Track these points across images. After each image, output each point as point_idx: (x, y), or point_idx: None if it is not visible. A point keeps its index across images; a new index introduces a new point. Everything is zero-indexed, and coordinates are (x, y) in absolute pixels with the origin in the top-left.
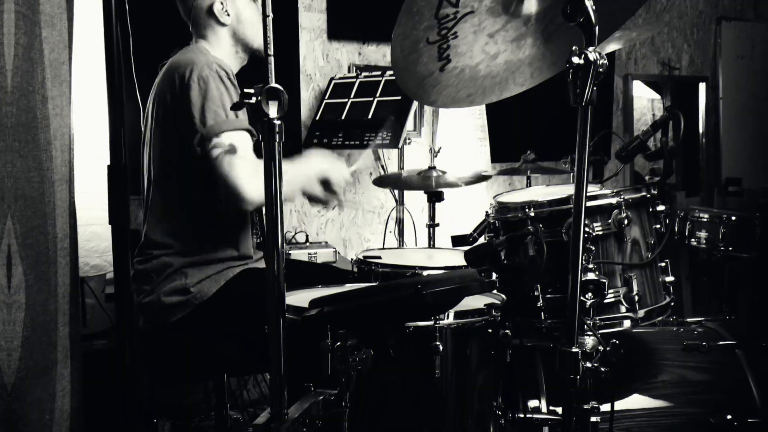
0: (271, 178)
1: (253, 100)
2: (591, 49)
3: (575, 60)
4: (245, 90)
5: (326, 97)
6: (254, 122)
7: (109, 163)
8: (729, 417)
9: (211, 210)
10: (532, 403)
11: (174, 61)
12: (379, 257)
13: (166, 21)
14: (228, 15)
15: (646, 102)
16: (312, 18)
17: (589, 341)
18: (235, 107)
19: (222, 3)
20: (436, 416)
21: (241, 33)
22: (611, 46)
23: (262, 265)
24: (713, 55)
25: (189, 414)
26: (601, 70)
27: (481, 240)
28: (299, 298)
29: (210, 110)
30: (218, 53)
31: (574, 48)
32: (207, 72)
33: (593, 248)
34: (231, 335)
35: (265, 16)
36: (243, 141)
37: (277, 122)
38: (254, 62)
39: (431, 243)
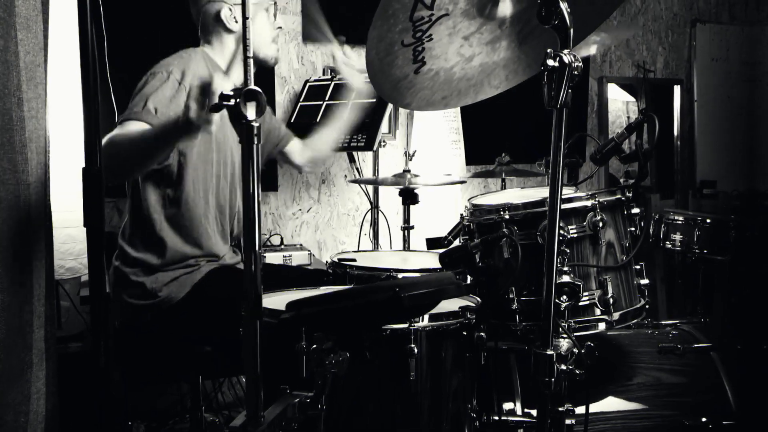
0: (249, 179)
1: (232, 102)
2: (566, 51)
3: (550, 63)
4: (223, 93)
5: (301, 100)
6: (233, 124)
7: (84, 165)
8: (704, 419)
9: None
10: (507, 406)
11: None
12: (354, 260)
13: (143, 25)
14: (236, 22)
15: (621, 104)
16: (287, 20)
17: (564, 344)
18: (214, 109)
19: (230, 9)
20: (412, 418)
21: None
22: (586, 51)
23: (230, 262)
24: (688, 57)
25: (163, 417)
26: (575, 72)
27: (456, 243)
28: (276, 301)
29: (134, 98)
30: (220, 60)
31: (548, 51)
32: (160, 70)
33: (568, 251)
34: (203, 337)
35: (244, 18)
36: (130, 125)
37: (255, 124)
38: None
39: (406, 245)
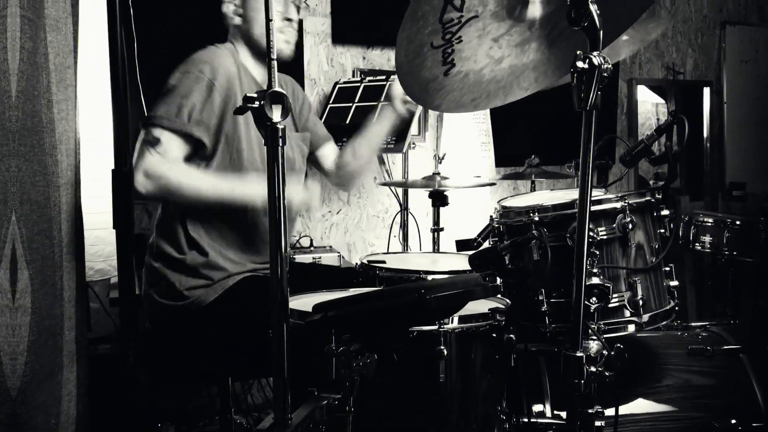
0: (275, 181)
1: (256, 104)
2: (595, 53)
3: (580, 64)
4: (248, 94)
5: (331, 102)
6: (258, 126)
7: (113, 167)
8: (733, 421)
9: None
10: (537, 408)
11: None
12: (384, 261)
13: (172, 26)
14: (240, 17)
15: (650, 106)
16: (316, 22)
17: (594, 346)
18: (238, 112)
19: (236, 5)
20: (441, 421)
21: (255, 38)
22: (623, 53)
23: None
24: (717, 59)
25: (193, 418)
26: (605, 74)
27: (486, 244)
28: (303, 303)
29: (166, 98)
30: (244, 59)
31: (578, 52)
32: (193, 69)
33: (598, 253)
34: (232, 342)
35: (268, 20)
36: (169, 142)
37: (280, 126)
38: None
39: (436, 247)
